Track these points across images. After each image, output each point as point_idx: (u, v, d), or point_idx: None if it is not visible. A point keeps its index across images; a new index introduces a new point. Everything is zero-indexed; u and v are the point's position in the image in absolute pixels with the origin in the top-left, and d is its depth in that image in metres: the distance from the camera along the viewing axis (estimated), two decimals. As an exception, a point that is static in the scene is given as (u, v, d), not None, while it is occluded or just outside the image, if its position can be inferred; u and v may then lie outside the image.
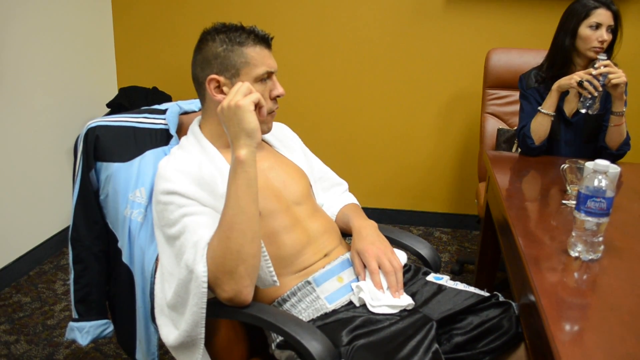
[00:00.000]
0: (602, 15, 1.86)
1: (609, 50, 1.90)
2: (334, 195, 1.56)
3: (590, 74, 1.76)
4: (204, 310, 1.10)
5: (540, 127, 1.92)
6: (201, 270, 1.08)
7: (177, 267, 1.14)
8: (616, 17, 1.86)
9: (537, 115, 1.92)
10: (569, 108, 1.98)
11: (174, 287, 1.14)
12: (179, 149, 1.33)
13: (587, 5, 1.88)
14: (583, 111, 1.81)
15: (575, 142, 2.00)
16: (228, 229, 1.09)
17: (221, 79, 1.24)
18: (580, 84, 1.77)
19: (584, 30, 1.88)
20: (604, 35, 1.85)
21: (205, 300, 1.09)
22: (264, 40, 1.27)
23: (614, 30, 1.88)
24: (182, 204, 1.17)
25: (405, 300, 1.23)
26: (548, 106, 1.90)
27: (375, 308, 1.21)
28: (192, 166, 1.23)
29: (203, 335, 1.12)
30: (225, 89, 1.25)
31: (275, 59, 1.30)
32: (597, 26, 1.86)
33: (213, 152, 1.28)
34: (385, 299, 1.23)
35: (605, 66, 1.75)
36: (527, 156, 2.00)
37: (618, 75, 1.75)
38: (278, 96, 1.30)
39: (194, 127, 1.35)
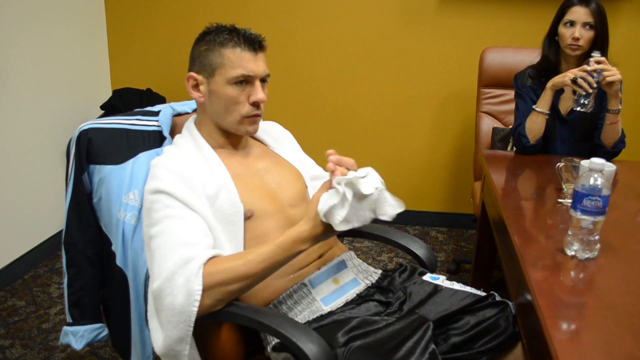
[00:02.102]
0: (575, 13, 1.86)
1: (602, 47, 1.89)
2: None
3: (585, 71, 1.76)
4: (191, 328, 1.08)
5: (535, 125, 1.92)
6: (196, 289, 1.07)
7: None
8: (596, 13, 1.85)
9: (531, 113, 1.92)
10: (564, 106, 1.98)
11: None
12: (172, 146, 1.32)
13: (565, 4, 1.91)
14: (578, 109, 1.80)
15: (570, 141, 2.00)
16: (244, 275, 1.09)
17: (199, 77, 1.26)
18: (574, 81, 1.77)
19: (561, 28, 1.90)
20: (576, 32, 1.85)
21: (193, 319, 1.07)
22: (249, 43, 1.24)
23: (596, 26, 1.86)
24: (168, 204, 1.16)
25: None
26: (542, 104, 1.89)
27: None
28: (183, 165, 1.22)
29: (187, 352, 1.11)
30: (202, 87, 1.27)
31: (268, 63, 1.28)
32: (572, 23, 1.87)
33: (207, 149, 1.28)
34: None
35: (599, 63, 1.75)
36: (522, 155, 2.00)
37: (612, 73, 1.74)
38: (257, 102, 1.26)
39: (189, 125, 1.35)
